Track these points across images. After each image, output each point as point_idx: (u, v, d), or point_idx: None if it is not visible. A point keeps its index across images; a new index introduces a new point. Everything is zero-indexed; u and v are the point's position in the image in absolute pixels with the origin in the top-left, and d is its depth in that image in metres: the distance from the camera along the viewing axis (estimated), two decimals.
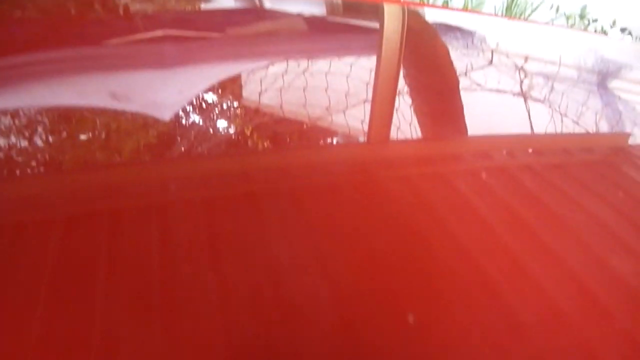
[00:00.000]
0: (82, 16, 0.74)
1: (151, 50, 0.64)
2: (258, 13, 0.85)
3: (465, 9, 4.12)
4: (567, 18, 3.99)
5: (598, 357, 0.30)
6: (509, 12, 4.05)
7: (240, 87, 0.55)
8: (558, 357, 0.30)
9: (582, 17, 3.96)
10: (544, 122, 0.63)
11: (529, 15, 4.01)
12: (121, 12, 0.77)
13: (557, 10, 4.01)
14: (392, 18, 0.90)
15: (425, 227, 0.38)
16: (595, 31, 3.88)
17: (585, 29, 3.93)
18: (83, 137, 0.44)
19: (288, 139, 0.48)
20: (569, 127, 0.63)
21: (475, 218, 0.40)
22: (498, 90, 0.69)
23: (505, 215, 0.41)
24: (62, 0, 0.78)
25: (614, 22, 3.88)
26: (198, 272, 0.30)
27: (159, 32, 0.70)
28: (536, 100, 0.70)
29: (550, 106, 0.68)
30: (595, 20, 3.94)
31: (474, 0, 4.24)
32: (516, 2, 4.04)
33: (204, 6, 0.88)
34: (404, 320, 0.30)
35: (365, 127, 0.51)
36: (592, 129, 0.64)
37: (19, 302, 0.26)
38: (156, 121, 0.47)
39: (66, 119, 0.48)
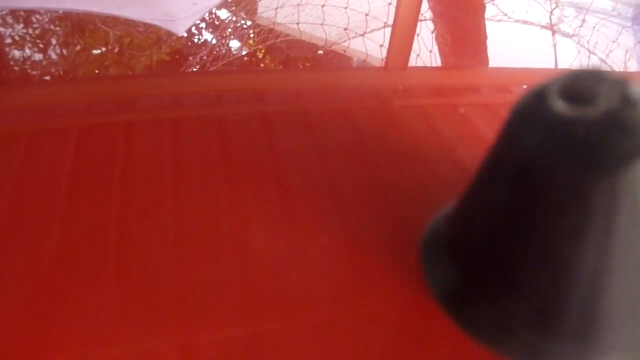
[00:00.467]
0: None
1: None
2: None
3: None
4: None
5: None
6: None
7: (256, 1, 0.53)
8: None
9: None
10: (570, 58, 0.61)
11: None
12: None
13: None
14: None
15: (435, 158, 0.38)
16: None
17: None
18: (96, 51, 0.44)
19: (301, 65, 0.47)
20: (595, 65, 0.61)
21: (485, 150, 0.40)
22: (525, 21, 0.66)
23: None
24: None
25: None
26: (208, 187, 0.30)
27: None
28: (565, 34, 0.66)
29: (578, 41, 0.65)
30: None
31: None
32: None
33: None
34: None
35: (384, 53, 0.50)
36: (620, 67, 0.62)
37: (36, 208, 0.27)
38: (170, 36, 0.45)
39: (80, 29, 0.47)
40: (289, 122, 0.38)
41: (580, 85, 0.14)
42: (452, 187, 0.36)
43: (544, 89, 0.15)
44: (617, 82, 0.12)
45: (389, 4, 0.58)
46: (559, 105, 0.14)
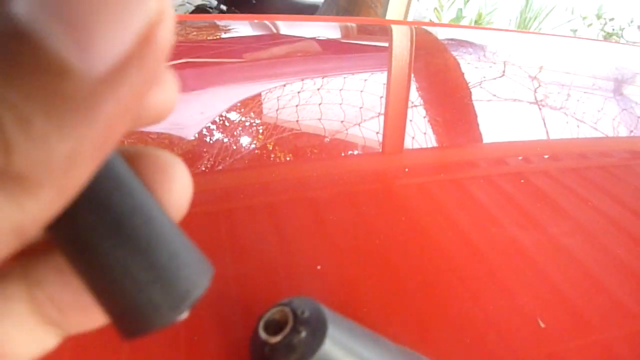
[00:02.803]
0: None
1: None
2: (274, 38, 0.89)
3: (477, 19, 4.14)
4: (583, 19, 3.95)
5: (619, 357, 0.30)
6: (523, 15, 4.03)
7: (259, 105, 0.58)
8: (578, 357, 0.30)
9: (598, 17, 3.92)
10: (560, 129, 0.63)
11: (544, 19, 3.99)
12: None
13: (573, 11, 3.98)
14: (400, 36, 0.93)
15: (441, 234, 0.39)
16: (613, 30, 3.83)
17: (603, 29, 3.87)
18: None
19: (309, 152, 0.50)
20: (585, 133, 0.63)
21: (491, 223, 0.41)
22: (512, 99, 0.70)
23: (522, 220, 0.42)
24: None
25: (631, 21, 3.84)
26: (218, 273, 0.31)
27: (180, 60, 0.74)
28: (551, 107, 0.70)
29: (566, 113, 0.68)
30: (612, 20, 3.90)
31: (487, 6, 4.26)
32: (530, 6, 4.03)
33: (223, 35, 0.92)
34: (422, 323, 0.30)
35: (380, 138, 0.53)
36: (609, 134, 0.64)
37: None
38: (180, 139, 0.49)
39: None
40: (295, 209, 0.40)
41: (274, 319, 0.22)
42: (455, 259, 0.36)
43: (259, 321, 0.23)
44: (297, 315, 0.20)
45: (381, 97, 0.63)
46: (262, 333, 0.22)
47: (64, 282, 0.11)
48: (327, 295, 0.30)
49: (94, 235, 0.09)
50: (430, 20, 4.57)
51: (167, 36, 0.08)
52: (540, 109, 0.69)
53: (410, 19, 2.01)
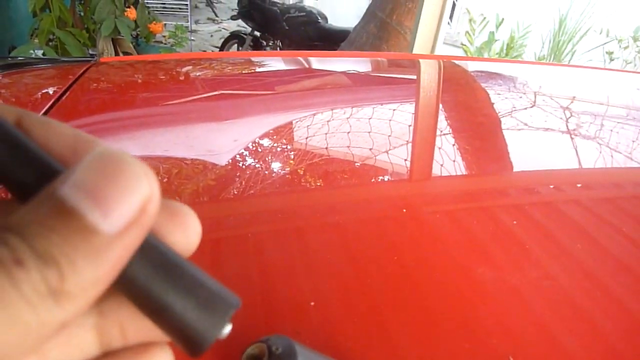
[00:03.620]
0: (151, 82, 0.83)
1: (209, 107, 0.71)
2: (305, 72, 0.91)
3: (510, 42, 4.09)
4: (619, 41, 3.84)
5: None
6: (556, 38, 3.96)
7: (290, 133, 0.60)
8: None
9: (635, 39, 3.81)
10: (593, 158, 0.62)
11: (578, 42, 3.90)
12: (182, 77, 0.85)
13: (608, 33, 3.88)
14: (428, 68, 0.94)
15: (471, 262, 0.39)
16: None
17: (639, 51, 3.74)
18: None
19: (339, 177, 0.51)
20: (619, 162, 0.62)
21: (522, 253, 0.40)
22: (543, 129, 0.69)
23: (554, 250, 0.41)
24: (133, 71, 0.88)
25: None
26: (247, 303, 0.32)
27: (216, 92, 0.77)
28: (584, 137, 0.69)
29: (599, 143, 0.67)
30: None
31: (520, 29, 4.21)
32: (563, 29, 3.96)
33: (256, 69, 0.96)
34: (446, 351, 0.30)
35: (409, 165, 0.53)
36: None
37: None
38: (214, 165, 0.51)
39: None
40: (322, 235, 0.41)
41: (254, 354, 0.23)
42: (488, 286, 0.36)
43: (242, 355, 0.25)
44: (271, 351, 0.21)
45: (409, 125, 0.64)
46: None
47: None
48: (353, 318, 0.31)
49: (146, 287, 0.13)
50: (462, 44, 4.57)
51: (154, 208, 0.13)
52: (572, 138, 0.68)
53: (440, 43, 2.02)
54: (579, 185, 0.55)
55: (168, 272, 0.13)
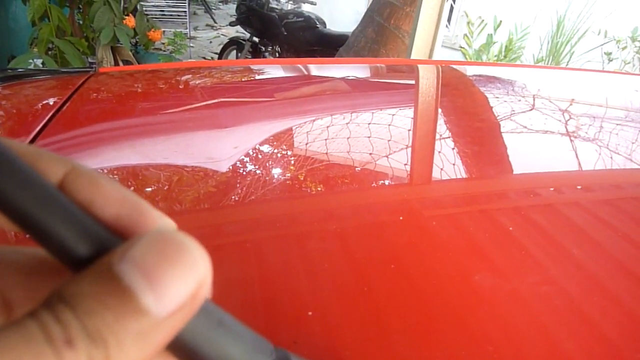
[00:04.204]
0: (151, 91, 0.83)
1: (208, 115, 0.71)
2: (305, 79, 0.92)
3: (508, 44, 4.09)
4: (617, 42, 3.85)
5: None
6: (555, 40, 3.97)
7: (290, 139, 0.60)
8: None
9: (633, 39, 3.81)
10: (593, 160, 0.62)
11: (576, 43, 3.91)
12: (182, 86, 0.86)
13: (606, 34, 3.89)
14: (426, 73, 0.94)
15: (471, 265, 0.39)
16: None
17: (638, 52, 3.74)
18: (148, 189, 0.49)
19: (340, 181, 0.51)
20: (619, 164, 0.62)
21: (523, 255, 0.40)
22: (543, 131, 0.69)
23: (556, 253, 0.41)
24: (133, 81, 0.88)
25: None
26: (245, 311, 0.32)
27: (215, 100, 0.77)
28: (584, 139, 0.69)
29: (598, 144, 0.67)
30: None
31: (518, 31, 4.22)
32: (561, 30, 3.97)
33: (255, 76, 0.96)
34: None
35: (408, 170, 0.53)
36: None
37: None
38: (215, 172, 0.51)
39: (133, 175, 0.53)
40: (322, 242, 0.41)
41: None
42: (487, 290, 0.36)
43: None
44: None
45: (409, 130, 0.64)
46: None
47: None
48: (351, 324, 0.31)
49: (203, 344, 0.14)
50: (460, 46, 4.59)
51: (205, 293, 0.13)
52: (571, 141, 0.68)
53: (439, 46, 2.03)
54: (578, 187, 0.55)
55: (220, 326, 0.14)
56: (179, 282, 0.12)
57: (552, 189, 0.54)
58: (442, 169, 0.55)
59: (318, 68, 0.99)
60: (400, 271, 0.37)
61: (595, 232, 0.45)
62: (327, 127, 0.63)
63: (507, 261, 0.39)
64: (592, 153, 0.63)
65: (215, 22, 6.76)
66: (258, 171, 0.52)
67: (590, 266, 0.40)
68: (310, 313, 0.32)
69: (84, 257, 0.12)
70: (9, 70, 1.64)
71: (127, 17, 2.85)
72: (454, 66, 1.02)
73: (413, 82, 0.93)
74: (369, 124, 0.64)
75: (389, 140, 0.59)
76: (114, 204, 0.14)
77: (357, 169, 0.53)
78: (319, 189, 0.50)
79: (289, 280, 0.36)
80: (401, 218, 0.45)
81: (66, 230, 0.12)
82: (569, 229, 0.45)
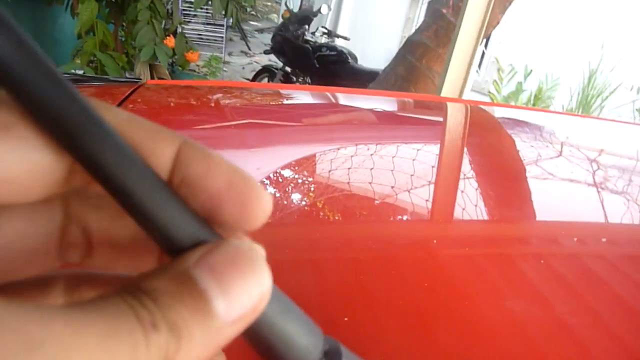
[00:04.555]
0: (192, 105, 0.86)
1: (235, 134, 0.72)
2: (332, 107, 0.93)
3: (538, 94, 4.07)
4: None
5: None
6: (585, 92, 3.93)
7: (312, 166, 0.60)
8: None
9: None
10: (620, 214, 0.61)
11: (607, 98, 3.87)
12: (213, 104, 0.88)
13: (638, 91, 3.84)
14: (454, 111, 0.95)
15: (486, 308, 0.38)
16: None
17: None
18: None
19: (357, 213, 0.51)
20: None
21: (541, 303, 0.39)
22: (569, 180, 0.68)
23: (574, 304, 0.40)
24: (177, 94, 0.91)
25: None
26: None
27: (244, 120, 0.79)
28: (611, 191, 0.68)
29: (626, 198, 0.66)
30: None
31: (549, 81, 4.20)
32: (592, 83, 3.94)
33: (284, 102, 0.98)
34: None
35: (430, 206, 0.53)
36: None
37: None
38: None
39: None
40: (338, 268, 0.40)
41: None
42: (500, 338, 0.35)
43: None
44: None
45: (432, 166, 0.64)
46: None
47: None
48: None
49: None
50: (489, 92, 4.60)
51: (264, 305, 0.14)
52: (599, 192, 0.67)
53: (468, 90, 2.04)
54: (603, 239, 0.54)
55: (285, 306, 0.16)
56: (247, 294, 0.13)
57: (575, 239, 0.53)
58: (464, 209, 0.54)
59: (346, 97, 1.00)
60: (410, 307, 0.36)
61: (615, 285, 0.43)
62: (351, 156, 0.63)
63: (524, 306, 0.38)
64: (619, 206, 0.62)
65: (250, 50, 6.96)
66: (278, 194, 0.52)
67: (607, 317, 0.38)
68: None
69: (181, 247, 0.14)
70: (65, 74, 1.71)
71: (167, 37, 2.97)
72: (483, 107, 1.03)
73: (441, 119, 0.93)
74: (393, 157, 0.64)
75: (411, 175, 0.59)
76: (226, 175, 0.15)
77: (376, 201, 0.53)
78: (336, 217, 0.50)
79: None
80: (453, 240, 0.44)
81: (170, 221, 0.14)
82: (587, 280, 0.44)
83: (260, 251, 0.14)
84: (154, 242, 0.14)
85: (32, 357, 0.10)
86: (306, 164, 0.61)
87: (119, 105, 0.70)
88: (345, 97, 1.01)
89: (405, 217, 0.52)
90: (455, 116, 0.92)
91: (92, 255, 0.16)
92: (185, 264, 0.13)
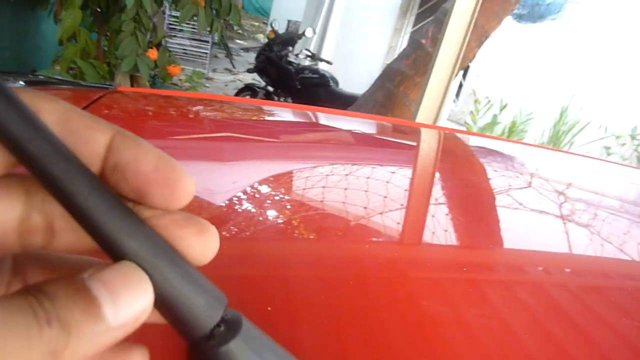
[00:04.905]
0: (162, 115, 0.85)
1: (213, 146, 0.72)
2: (311, 126, 0.94)
3: (512, 127, 4.20)
4: (617, 137, 3.96)
5: None
6: (557, 127, 4.08)
7: (289, 182, 0.61)
8: None
9: (633, 137, 3.93)
10: (584, 246, 0.63)
11: (576, 134, 4.02)
12: (192, 116, 0.88)
13: (606, 129, 4.00)
14: (428, 137, 0.97)
15: (449, 332, 0.38)
16: None
17: (636, 149, 3.85)
18: None
19: (332, 233, 0.51)
20: (610, 253, 0.62)
21: (504, 330, 0.40)
22: (538, 211, 0.70)
23: (537, 331, 0.41)
24: (147, 102, 0.91)
25: None
26: None
27: (221, 134, 0.79)
28: (577, 223, 0.70)
29: (591, 231, 0.68)
30: None
31: (523, 115, 4.33)
32: (564, 119, 4.08)
33: (265, 117, 0.99)
34: None
35: (400, 228, 0.54)
36: (635, 257, 0.63)
37: None
38: (210, 204, 0.51)
39: None
40: (307, 286, 0.40)
41: None
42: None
43: None
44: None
45: (406, 190, 0.65)
46: None
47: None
48: None
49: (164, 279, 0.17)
50: (466, 122, 4.72)
51: (145, 317, 0.16)
52: (564, 223, 0.69)
53: (444, 119, 2.09)
54: (567, 270, 0.55)
55: (183, 269, 0.17)
56: (132, 305, 0.16)
57: (540, 268, 0.54)
58: (433, 233, 0.55)
59: (325, 117, 1.01)
60: (376, 328, 0.36)
61: (577, 316, 0.44)
62: (327, 175, 0.64)
63: (486, 332, 0.39)
64: (583, 238, 0.64)
65: (234, 67, 6.99)
66: (253, 210, 0.52)
67: (570, 349, 0.39)
68: None
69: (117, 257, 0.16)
70: (31, 75, 1.68)
71: (150, 49, 2.95)
72: (457, 134, 1.05)
73: (414, 143, 0.95)
74: (368, 178, 0.65)
75: (384, 197, 0.60)
76: (153, 160, 0.17)
77: (351, 222, 0.54)
78: (311, 236, 0.50)
79: (269, 321, 0.35)
80: (423, 263, 0.45)
81: (111, 235, 0.16)
82: (554, 309, 0.45)
83: (142, 274, 0.16)
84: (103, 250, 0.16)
85: None
86: (282, 180, 0.61)
87: (85, 108, 0.69)
88: (324, 117, 1.02)
89: (377, 239, 0.52)
90: (428, 142, 0.94)
91: (54, 240, 0.17)
92: (82, 275, 0.16)
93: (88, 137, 0.16)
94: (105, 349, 0.15)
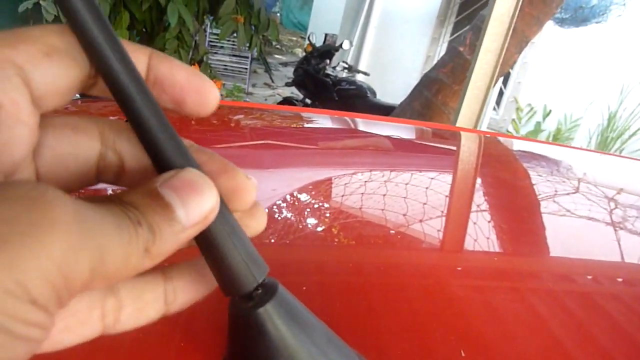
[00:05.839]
0: (203, 122, 0.88)
1: (252, 154, 0.74)
2: (350, 132, 0.94)
3: (556, 134, 4.04)
4: None
5: None
6: (604, 134, 3.89)
7: (328, 189, 0.61)
8: None
9: None
10: (637, 254, 0.60)
11: (626, 141, 3.82)
12: (233, 124, 0.90)
13: None
14: (468, 142, 0.95)
15: (492, 342, 0.37)
16: None
17: None
18: None
19: (371, 241, 0.51)
20: None
21: (549, 339, 0.39)
22: (588, 218, 0.67)
23: (585, 343, 0.39)
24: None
25: None
26: None
27: (261, 141, 0.80)
28: (630, 231, 0.67)
29: None
30: None
31: (569, 122, 4.17)
32: (612, 126, 3.90)
33: (304, 125, 1.00)
34: None
35: (441, 236, 0.53)
36: None
37: None
38: None
39: None
40: (346, 293, 0.40)
41: None
42: None
43: None
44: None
45: (446, 196, 0.64)
46: None
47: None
48: None
49: (220, 238, 0.20)
50: (507, 131, 4.59)
51: (214, 216, 0.19)
52: (616, 230, 0.66)
53: (484, 127, 2.05)
54: (619, 279, 0.53)
55: (241, 233, 0.20)
56: (200, 206, 0.18)
57: (589, 277, 0.52)
58: (475, 240, 0.54)
59: (364, 123, 1.02)
60: (418, 335, 0.36)
61: (630, 328, 0.42)
62: (365, 182, 0.64)
63: (532, 342, 0.38)
64: (636, 246, 0.61)
65: (273, 82, 7.12)
66: (291, 217, 0.53)
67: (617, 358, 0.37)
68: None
69: (163, 168, 0.19)
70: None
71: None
72: (500, 138, 1.03)
73: (455, 148, 0.93)
74: (407, 184, 0.64)
75: (424, 204, 0.60)
76: (184, 72, 0.20)
77: (389, 228, 0.53)
78: (351, 242, 0.50)
79: None
80: (459, 269, 0.44)
81: (166, 150, 0.19)
82: (603, 318, 0.43)
83: (207, 179, 0.19)
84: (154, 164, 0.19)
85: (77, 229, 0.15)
86: (321, 187, 0.62)
87: None
88: (363, 123, 1.02)
89: (417, 246, 0.52)
90: (468, 146, 0.92)
91: (123, 176, 0.21)
92: (155, 185, 0.18)
93: (135, 57, 0.19)
94: (184, 245, 0.19)
